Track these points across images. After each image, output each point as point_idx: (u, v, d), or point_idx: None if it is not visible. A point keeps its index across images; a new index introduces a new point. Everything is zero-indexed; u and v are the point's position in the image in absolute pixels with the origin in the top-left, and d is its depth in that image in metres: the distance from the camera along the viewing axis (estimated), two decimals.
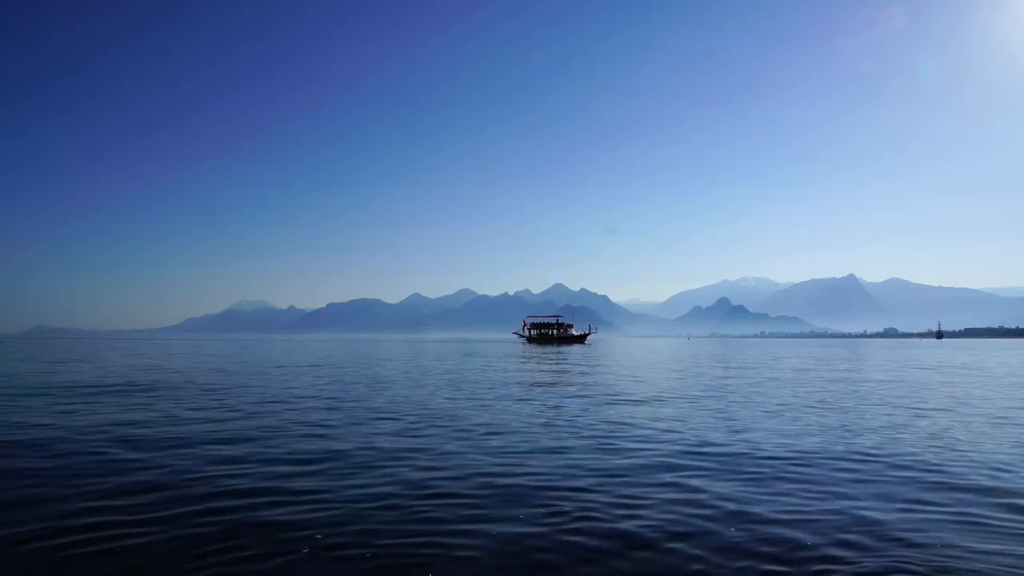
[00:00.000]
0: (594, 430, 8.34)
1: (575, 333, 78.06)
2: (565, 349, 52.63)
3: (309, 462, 6.25)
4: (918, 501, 4.96)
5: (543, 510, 4.64)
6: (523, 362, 29.01)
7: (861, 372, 22.25)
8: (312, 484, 5.35)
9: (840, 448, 7.06)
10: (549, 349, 52.54)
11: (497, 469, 5.97)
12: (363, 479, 5.54)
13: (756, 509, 4.69)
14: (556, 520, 4.40)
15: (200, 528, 4.22)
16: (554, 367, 24.80)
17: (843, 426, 8.82)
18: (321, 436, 7.81)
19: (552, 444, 7.30)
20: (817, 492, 5.17)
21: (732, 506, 4.77)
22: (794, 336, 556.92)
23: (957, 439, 7.78)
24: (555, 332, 77.52)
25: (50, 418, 9.41)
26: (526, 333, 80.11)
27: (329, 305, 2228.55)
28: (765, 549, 3.90)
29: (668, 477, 5.69)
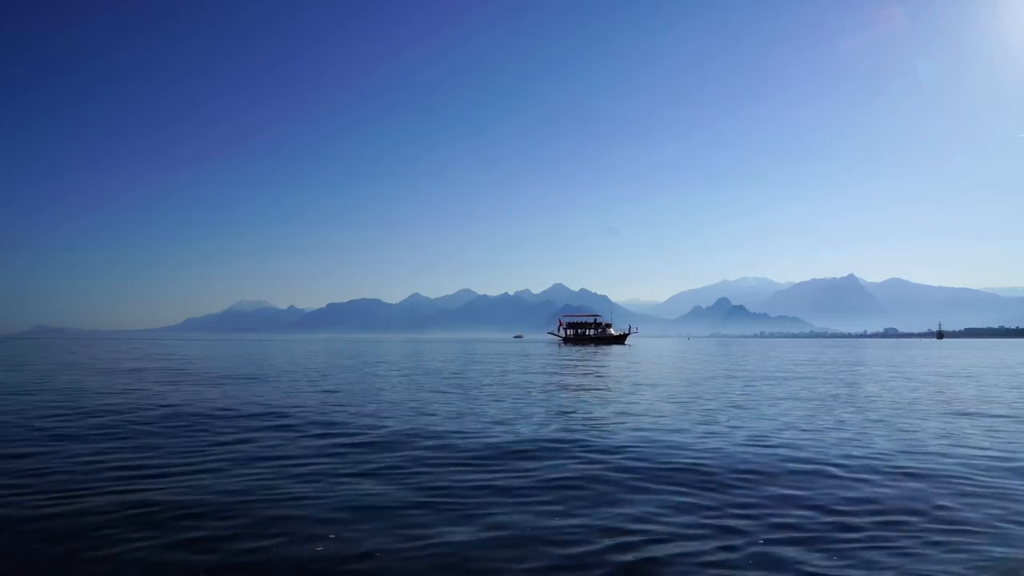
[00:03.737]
0: None
1: (614, 333, 75.69)
2: (605, 349, 51.06)
3: None
4: None
5: None
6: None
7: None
8: None
9: None
10: (590, 350, 50.66)
11: None
12: None
13: None
14: None
15: None
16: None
17: None
18: None
19: None
20: None
21: None
22: (794, 336, 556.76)
23: None
24: (593, 332, 75.74)
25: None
26: (562, 333, 79.11)
27: (329, 305, 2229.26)
28: None
29: None
